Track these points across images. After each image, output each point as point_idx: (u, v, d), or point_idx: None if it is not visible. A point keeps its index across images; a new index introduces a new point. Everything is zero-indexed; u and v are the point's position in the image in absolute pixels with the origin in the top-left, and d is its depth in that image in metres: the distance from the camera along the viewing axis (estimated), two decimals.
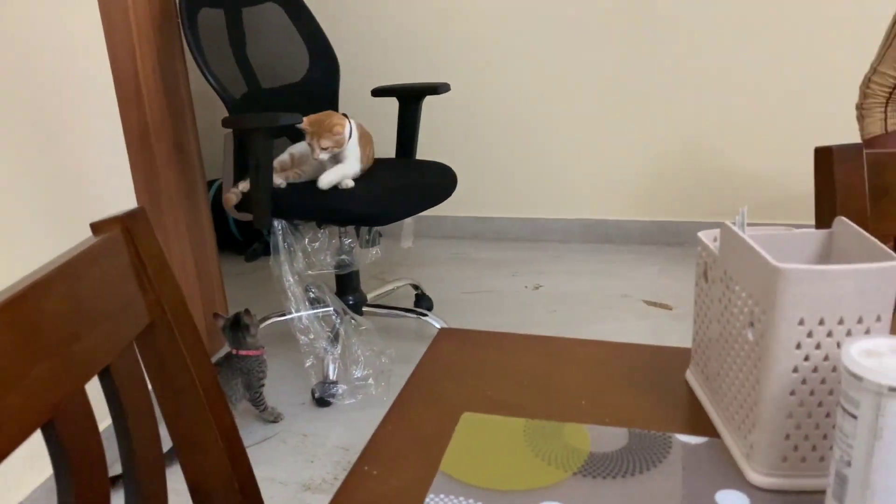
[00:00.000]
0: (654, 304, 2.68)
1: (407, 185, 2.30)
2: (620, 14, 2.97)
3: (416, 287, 2.78)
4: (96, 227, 0.69)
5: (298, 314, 2.32)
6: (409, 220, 2.45)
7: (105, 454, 0.61)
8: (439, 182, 2.37)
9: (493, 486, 0.65)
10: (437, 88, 2.50)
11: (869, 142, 1.20)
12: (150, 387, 0.72)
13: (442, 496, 0.64)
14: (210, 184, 3.00)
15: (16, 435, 0.52)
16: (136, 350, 0.71)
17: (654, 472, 0.66)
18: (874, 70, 1.21)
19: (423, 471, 0.67)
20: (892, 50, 1.13)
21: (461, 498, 0.64)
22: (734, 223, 0.67)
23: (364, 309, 2.51)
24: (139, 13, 2.12)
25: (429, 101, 2.57)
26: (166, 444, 0.77)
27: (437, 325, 2.46)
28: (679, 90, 3.01)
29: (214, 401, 0.74)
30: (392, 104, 2.55)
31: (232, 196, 2.24)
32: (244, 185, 2.23)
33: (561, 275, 3.01)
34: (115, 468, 0.74)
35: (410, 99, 2.54)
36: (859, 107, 1.24)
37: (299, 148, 2.30)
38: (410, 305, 2.74)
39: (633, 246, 3.23)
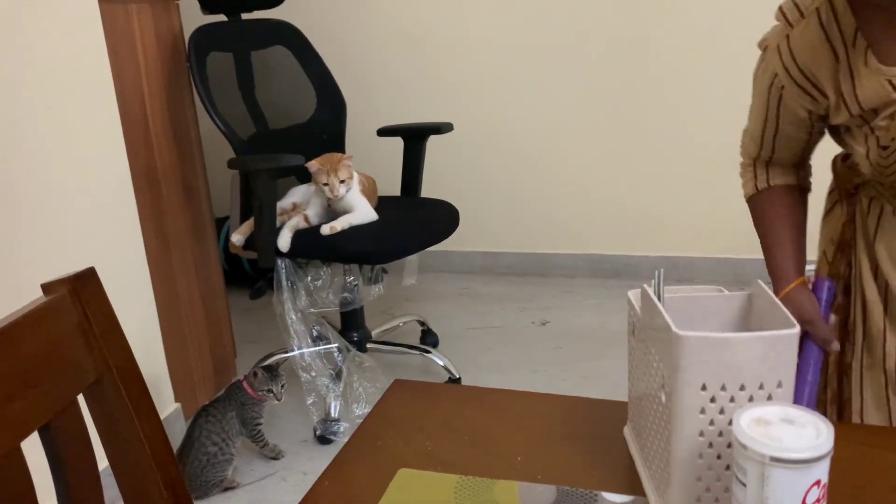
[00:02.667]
0: None
1: (408, 223, 2.34)
2: (623, 50, 3.00)
3: (422, 323, 2.80)
4: (46, 288, 0.72)
5: (300, 351, 2.35)
6: (412, 258, 2.48)
7: None
8: (441, 220, 2.40)
9: None
10: (441, 128, 2.54)
11: (749, 199, 1.21)
12: (98, 440, 0.75)
13: None
14: (221, 221, 3.06)
15: None
16: (86, 404, 0.74)
17: None
18: (744, 130, 1.20)
19: None
20: (753, 110, 1.13)
21: None
22: (651, 285, 0.69)
23: (368, 345, 2.54)
24: (148, 56, 2.19)
25: (434, 139, 2.61)
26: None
27: (441, 363, 2.48)
28: (684, 126, 3.02)
29: (160, 454, 0.77)
30: (397, 143, 2.60)
31: (235, 241, 2.29)
32: (246, 230, 2.28)
33: (568, 310, 3.01)
34: None
35: (415, 138, 2.59)
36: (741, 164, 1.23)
37: (300, 194, 2.34)
38: (416, 341, 2.76)
39: (642, 281, 3.19)
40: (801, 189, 1.16)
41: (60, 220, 1.84)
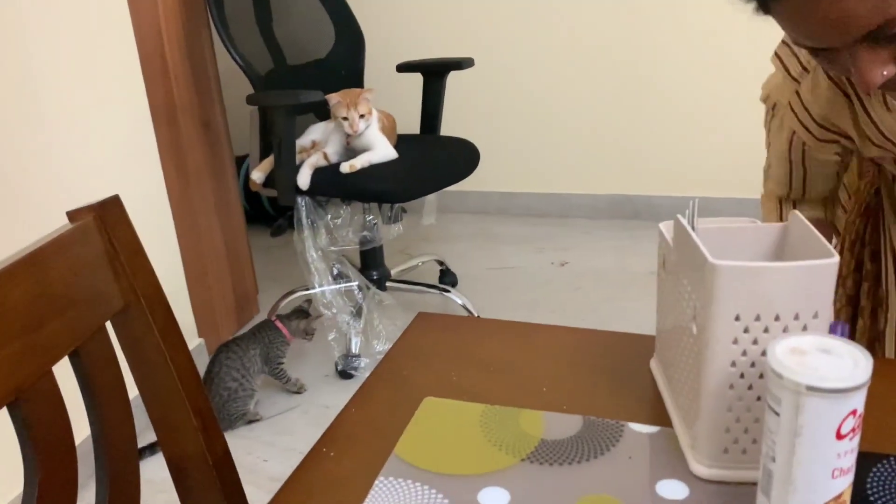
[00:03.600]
0: None
1: (429, 162, 2.32)
2: None
3: (440, 263, 2.80)
4: (72, 216, 0.72)
5: (322, 289, 2.36)
6: (431, 197, 2.47)
7: (72, 430, 0.65)
8: (462, 159, 2.37)
9: (442, 470, 0.67)
10: (461, 64, 2.50)
11: None
12: (128, 368, 0.76)
13: (391, 479, 0.66)
14: (242, 159, 3.05)
15: None
16: (114, 332, 0.75)
17: (600, 461, 0.67)
18: (765, 170, 1.14)
19: (378, 454, 0.70)
20: (773, 157, 1.07)
21: (409, 481, 0.66)
22: (685, 215, 0.67)
23: (388, 284, 2.55)
24: None
25: (454, 77, 2.57)
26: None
27: (460, 302, 2.49)
28: (706, 63, 2.95)
29: (188, 381, 0.77)
30: (416, 80, 2.56)
31: (255, 178, 2.28)
32: (266, 167, 2.27)
33: (587, 251, 3.00)
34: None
35: (434, 74, 2.55)
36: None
37: (320, 132, 2.32)
38: (435, 281, 2.77)
39: (663, 222, 3.19)
40: (831, 224, 1.10)
41: (81, 156, 1.83)
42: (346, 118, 2.15)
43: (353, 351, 2.29)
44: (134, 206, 2.01)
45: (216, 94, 2.43)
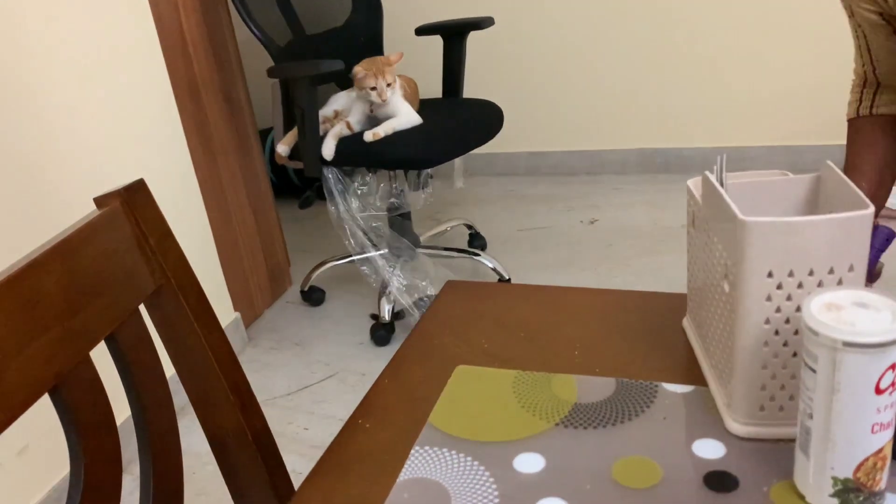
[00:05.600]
0: None
1: (452, 125, 2.30)
2: None
3: (469, 227, 2.79)
4: (99, 202, 0.73)
5: (357, 257, 2.38)
6: (458, 161, 2.45)
7: (113, 413, 0.67)
8: (485, 121, 2.35)
9: (476, 437, 0.67)
10: (481, 23, 2.46)
11: (848, 122, 1.13)
12: (164, 349, 0.77)
13: (427, 448, 0.67)
14: (265, 133, 3.06)
15: (20, 402, 0.58)
16: (147, 314, 0.76)
17: (634, 422, 0.67)
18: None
19: (412, 423, 0.70)
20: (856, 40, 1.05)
21: (444, 449, 0.67)
22: (713, 172, 0.66)
23: (418, 250, 2.55)
24: None
25: (475, 37, 2.53)
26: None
27: (490, 265, 2.49)
28: (731, 9, 2.87)
29: (223, 358, 0.78)
30: (436, 43, 2.53)
31: (280, 152, 2.29)
32: (291, 140, 2.27)
33: (617, 208, 2.96)
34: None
35: (454, 36, 2.51)
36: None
37: (342, 101, 2.31)
38: (464, 244, 2.77)
39: (694, 174, 3.13)
40: None
41: (108, 138, 1.85)
42: (374, 88, 2.14)
43: (387, 318, 2.30)
44: (163, 184, 2.04)
45: (237, 68, 2.43)
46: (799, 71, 2.88)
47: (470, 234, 2.79)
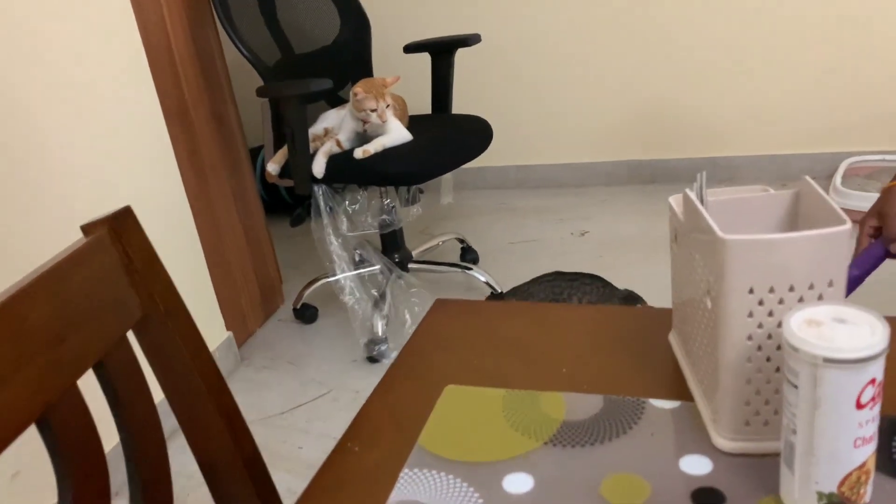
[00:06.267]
0: None
1: (442, 141, 2.31)
2: None
3: (461, 240, 2.80)
4: (86, 229, 0.73)
5: (343, 275, 2.38)
6: (447, 176, 2.46)
7: (101, 442, 0.67)
8: (475, 136, 2.36)
9: (465, 458, 0.68)
10: (468, 40, 2.48)
11: None
12: (152, 375, 0.77)
13: (416, 470, 0.67)
14: (255, 151, 3.06)
15: (6, 434, 0.58)
16: (136, 341, 0.76)
17: (623, 440, 0.67)
18: None
19: (402, 445, 0.70)
20: None
21: (434, 471, 0.67)
22: (692, 188, 0.66)
23: (410, 265, 2.55)
24: None
25: (462, 53, 2.55)
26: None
27: (483, 279, 2.49)
28: (715, 19, 2.89)
29: (212, 383, 0.78)
30: (425, 60, 2.54)
31: (270, 170, 2.29)
32: (281, 158, 2.28)
33: (607, 219, 2.98)
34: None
35: (442, 53, 2.53)
36: None
37: (332, 119, 2.32)
38: (457, 258, 2.78)
39: (682, 185, 3.15)
40: None
41: (96, 161, 1.85)
42: (374, 110, 2.15)
43: (380, 335, 2.30)
44: (153, 205, 2.04)
45: (226, 87, 2.44)
46: (784, 82, 2.91)
47: (462, 248, 2.79)
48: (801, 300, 0.59)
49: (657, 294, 2.40)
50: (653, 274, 2.50)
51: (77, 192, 1.78)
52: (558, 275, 1.72)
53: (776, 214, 0.68)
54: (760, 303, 0.59)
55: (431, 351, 0.84)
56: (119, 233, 0.73)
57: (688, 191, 0.66)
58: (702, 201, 0.66)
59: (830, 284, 0.58)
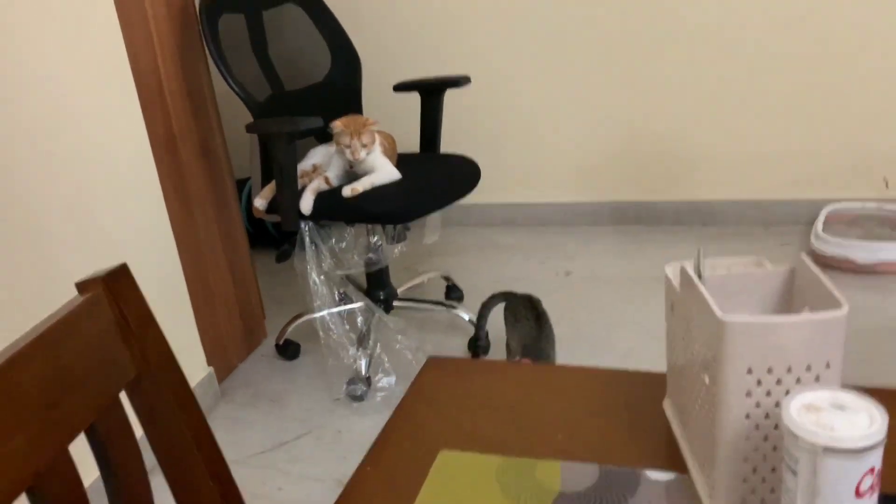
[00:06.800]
0: None
1: (430, 180, 2.32)
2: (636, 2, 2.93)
3: (446, 278, 2.80)
4: (81, 287, 0.72)
5: (326, 312, 2.37)
6: (434, 215, 2.47)
7: None
8: (463, 176, 2.38)
9: None
10: (458, 82, 2.50)
11: None
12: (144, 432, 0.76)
13: None
14: (241, 183, 3.06)
15: None
16: (128, 399, 0.75)
17: None
18: None
19: None
20: None
21: None
22: (691, 264, 0.67)
23: (395, 303, 2.55)
24: (159, 21, 2.16)
25: (451, 91, 2.57)
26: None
27: (467, 317, 2.49)
28: (700, 65, 2.95)
29: (205, 445, 0.77)
30: (414, 99, 2.56)
31: (258, 206, 2.29)
32: (268, 194, 2.27)
33: (590, 259, 2.99)
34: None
35: (432, 93, 2.55)
36: None
37: (321, 155, 2.32)
38: (441, 296, 2.77)
39: (666, 227, 3.19)
40: None
41: (81, 190, 1.84)
42: (348, 146, 2.16)
43: (363, 374, 2.29)
44: (137, 238, 2.03)
45: (215, 119, 2.44)
46: (766, 128, 2.96)
47: (447, 286, 2.79)
48: (798, 381, 0.59)
49: (639, 335, 2.43)
50: (635, 315, 2.52)
51: (59, 225, 1.76)
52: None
53: (772, 290, 0.69)
54: (759, 383, 0.60)
55: (424, 412, 0.84)
56: (115, 292, 0.73)
57: (685, 266, 0.67)
58: (700, 275, 0.67)
59: (828, 366, 0.59)
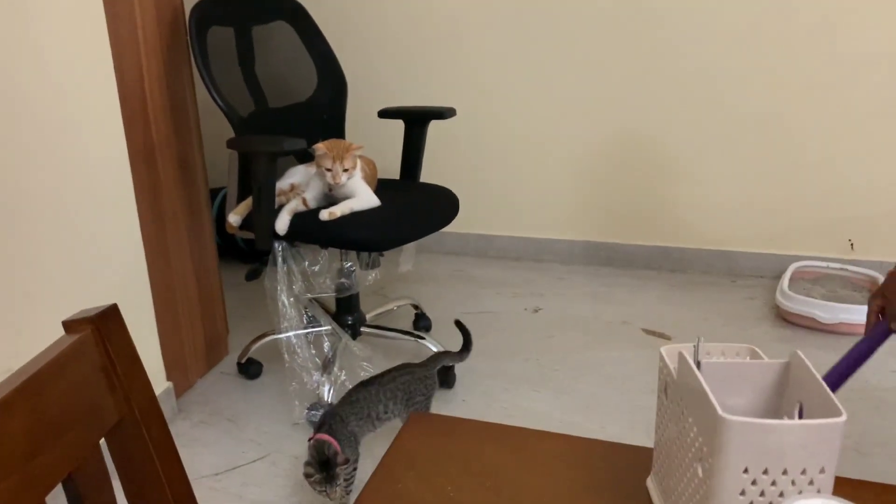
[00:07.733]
0: (653, 333, 2.69)
1: (409, 210, 2.31)
2: (621, 42, 2.97)
3: (415, 307, 2.79)
4: (69, 326, 0.70)
5: (292, 333, 2.34)
6: (409, 245, 2.46)
7: None
8: (441, 208, 2.37)
9: None
10: (444, 113, 2.51)
11: None
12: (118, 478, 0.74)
13: None
14: (216, 192, 3.02)
15: None
16: (106, 445, 0.73)
17: None
18: None
19: None
20: None
21: None
22: (690, 353, 0.68)
23: (362, 329, 2.53)
24: (148, 31, 2.13)
25: (435, 121, 2.57)
26: None
27: (434, 349, 2.48)
28: (678, 118, 3.00)
29: (180, 495, 0.75)
30: (397, 125, 2.56)
31: (232, 221, 2.25)
32: (243, 210, 2.25)
33: (561, 298, 3.01)
34: None
35: (416, 122, 2.55)
36: None
37: (300, 175, 2.30)
38: (409, 324, 2.76)
39: (636, 270, 3.23)
40: None
41: (55, 197, 1.80)
42: (329, 169, 2.14)
43: (325, 399, 2.26)
44: (107, 248, 1.99)
45: (195, 132, 2.41)
46: (735, 184, 3.03)
47: (416, 314, 2.78)
48: (793, 483, 0.60)
49: (602, 381, 2.44)
50: (603, 360, 2.53)
51: (33, 231, 1.72)
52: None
53: (766, 382, 0.70)
54: (754, 482, 0.60)
55: (406, 474, 0.83)
56: (104, 334, 0.71)
57: (684, 353, 0.68)
58: (698, 365, 0.68)
59: (822, 471, 0.60)
